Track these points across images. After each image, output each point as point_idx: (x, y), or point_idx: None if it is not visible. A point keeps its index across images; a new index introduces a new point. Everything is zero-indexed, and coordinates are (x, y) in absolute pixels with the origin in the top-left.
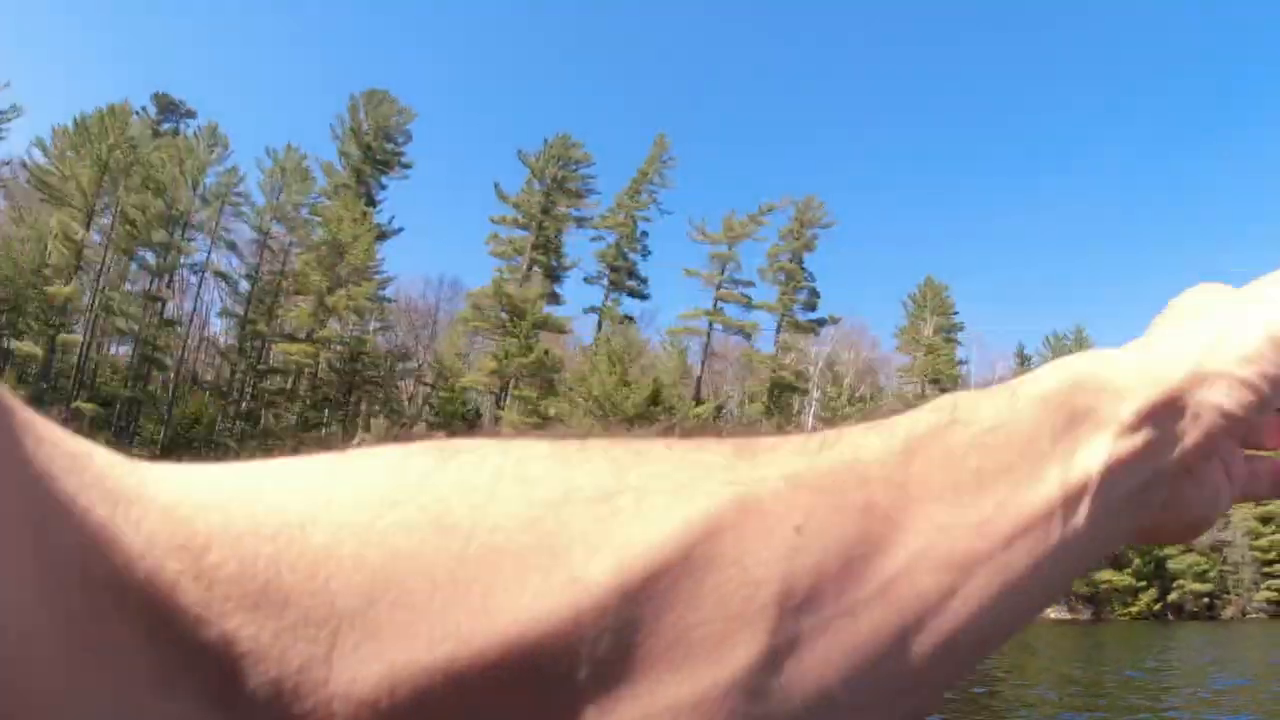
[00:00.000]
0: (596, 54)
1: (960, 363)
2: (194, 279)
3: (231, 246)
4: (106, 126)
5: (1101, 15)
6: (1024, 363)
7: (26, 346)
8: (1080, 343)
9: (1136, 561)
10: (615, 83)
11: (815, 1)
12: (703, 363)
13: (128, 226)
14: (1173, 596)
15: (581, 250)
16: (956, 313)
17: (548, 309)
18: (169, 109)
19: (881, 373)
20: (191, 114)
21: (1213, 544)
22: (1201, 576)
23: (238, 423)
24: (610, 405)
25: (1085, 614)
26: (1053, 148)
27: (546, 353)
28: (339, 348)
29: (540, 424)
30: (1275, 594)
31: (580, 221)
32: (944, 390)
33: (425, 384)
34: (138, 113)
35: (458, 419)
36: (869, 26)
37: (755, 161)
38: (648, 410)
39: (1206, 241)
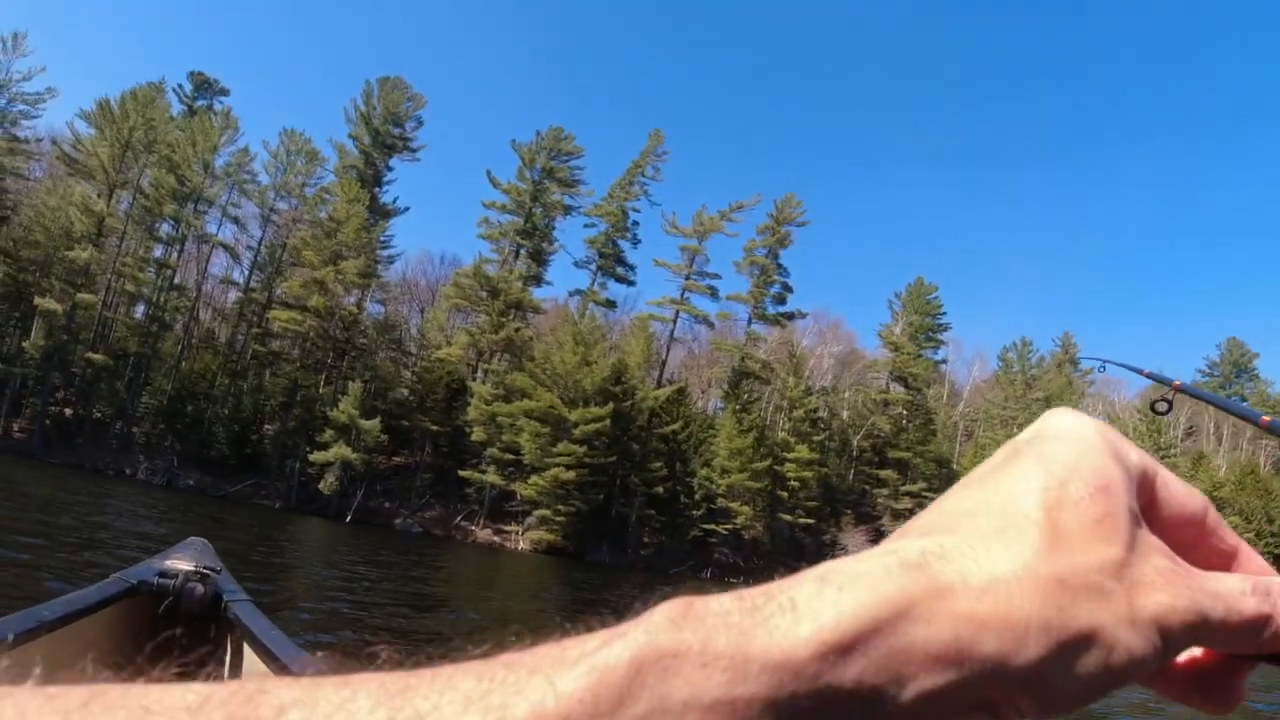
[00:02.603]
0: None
1: (940, 362)
2: (204, 249)
3: (237, 221)
4: (128, 110)
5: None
6: (1007, 367)
7: (48, 303)
8: (1067, 348)
9: None
10: (611, 81)
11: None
12: (667, 348)
13: (144, 199)
14: None
15: (574, 236)
16: (944, 313)
17: (533, 291)
18: (204, 87)
19: (854, 368)
20: (225, 92)
21: None
22: None
23: (236, 380)
24: (571, 383)
25: None
26: (1052, 157)
27: (516, 330)
28: (334, 317)
29: (505, 395)
30: None
31: (569, 210)
32: (913, 389)
33: (409, 353)
34: (174, 89)
35: (439, 386)
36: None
37: (745, 161)
38: (608, 388)
39: (1217, 262)
